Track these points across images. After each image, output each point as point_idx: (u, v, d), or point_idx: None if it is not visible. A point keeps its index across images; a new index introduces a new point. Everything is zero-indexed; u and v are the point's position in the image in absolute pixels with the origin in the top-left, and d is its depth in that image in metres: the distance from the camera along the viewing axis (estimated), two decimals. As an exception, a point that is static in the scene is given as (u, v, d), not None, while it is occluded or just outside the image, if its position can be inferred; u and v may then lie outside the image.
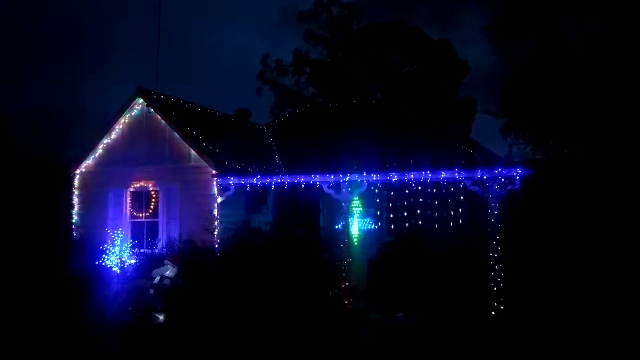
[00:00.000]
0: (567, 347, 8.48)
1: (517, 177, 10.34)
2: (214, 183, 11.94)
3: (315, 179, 11.27)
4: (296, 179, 11.43)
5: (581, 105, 14.39)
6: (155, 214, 12.82)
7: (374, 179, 11.05)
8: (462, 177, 10.64)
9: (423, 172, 10.75)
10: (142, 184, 12.94)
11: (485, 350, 8.51)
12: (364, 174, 11.03)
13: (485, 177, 10.48)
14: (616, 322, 9.44)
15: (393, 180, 11.00)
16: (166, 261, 10.98)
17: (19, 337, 8.70)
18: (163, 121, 12.84)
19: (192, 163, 12.46)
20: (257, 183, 11.69)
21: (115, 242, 12.30)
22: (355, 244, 13.38)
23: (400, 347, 8.69)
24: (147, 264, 11.67)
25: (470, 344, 8.81)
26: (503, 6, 17.53)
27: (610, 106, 13.83)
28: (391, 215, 13.69)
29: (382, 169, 11.01)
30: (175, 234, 12.32)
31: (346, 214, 11.48)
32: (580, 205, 12.18)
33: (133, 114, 13.28)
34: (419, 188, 11.59)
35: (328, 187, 11.29)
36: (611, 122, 13.75)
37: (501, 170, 10.39)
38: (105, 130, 13.42)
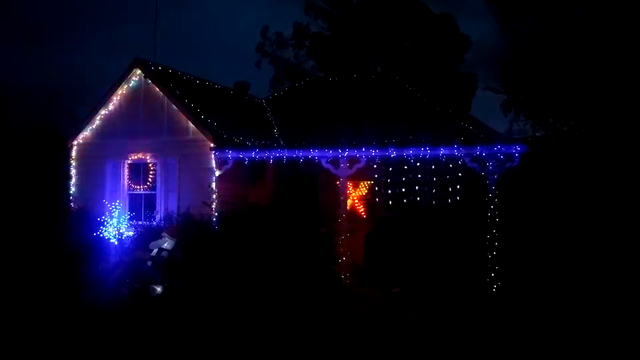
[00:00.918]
0: (562, 324, 8.57)
1: (516, 155, 10.33)
2: (212, 156, 11.90)
3: (314, 153, 11.24)
4: (295, 154, 11.39)
5: (583, 83, 14.26)
6: (153, 186, 12.80)
7: (373, 154, 11.02)
8: (461, 154, 10.62)
9: (422, 148, 10.73)
10: (140, 156, 12.89)
11: (481, 326, 8.60)
12: (363, 150, 11.00)
13: (484, 154, 10.46)
14: (614, 299, 9.53)
15: (392, 156, 10.98)
16: (164, 234, 11.00)
17: (18, 308, 8.76)
18: (161, 93, 12.72)
19: (191, 136, 12.39)
20: (255, 157, 11.66)
21: (113, 214, 12.33)
22: (353, 219, 13.41)
23: (395, 322, 8.77)
24: (145, 236, 11.70)
25: (465, 318, 8.90)
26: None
27: (612, 84, 13.71)
28: (389, 191, 13.70)
29: (381, 145, 10.97)
30: (173, 207, 12.33)
31: (344, 189, 11.47)
32: (579, 183, 12.18)
33: (131, 85, 13.14)
34: (418, 164, 11.57)
35: (326, 162, 11.27)
36: (613, 101, 13.66)
37: (500, 147, 10.37)
38: (103, 101, 13.30)
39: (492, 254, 10.38)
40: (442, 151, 10.67)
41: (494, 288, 10.31)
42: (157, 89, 12.77)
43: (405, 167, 12.46)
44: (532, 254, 11.04)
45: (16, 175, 13.52)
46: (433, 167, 11.75)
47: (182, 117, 12.44)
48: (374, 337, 8.06)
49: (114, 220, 12.21)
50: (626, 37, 13.72)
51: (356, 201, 14.17)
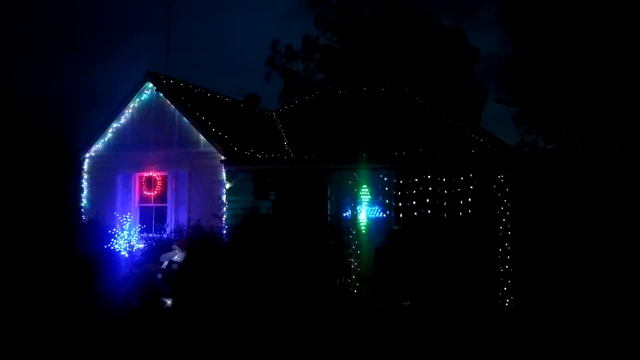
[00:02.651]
0: (575, 339, 8.44)
1: (528, 167, 10.26)
2: (223, 169, 11.92)
3: (323, 166, 11.23)
4: (304, 166, 11.40)
5: (595, 96, 14.19)
6: (163, 199, 12.84)
7: (383, 167, 11.00)
8: (471, 166, 10.57)
9: (432, 161, 10.69)
10: (151, 168, 12.95)
11: (492, 340, 8.49)
12: (373, 162, 10.97)
13: (494, 167, 10.40)
14: (626, 311, 9.38)
15: (402, 168, 10.95)
16: (174, 246, 11.02)
17: (31, 319, 8.80)
18: (172, 106, 12.81)
19: (201, 148, 12.45)
20: (265, 169, 11.67)
21: (124, 226, 12.37)
22: (363, 232, 13.36)
23: (406, 336, 8.69)
24: (156, 249, 11.72)
25: (477, 333, 8.80)
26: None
27: (625, 97, 13.62)
28: (400, 204, 13.63)
29: (391, 157, 10.95)
30: (183, 219, 12.34)
31: (354, 201, 11.44)
32: (592, 196, 12.05)
33: (142, 98, 13.26)
34: (429, 176, 11.53)
35: (336, 174, 11.26)
36: (626, 113, 13.56)
37: (510, 160, 10.31)
38: (115, 114, 13.42)
39: (504, 267, 10.28)
40: (452, 164, 10.63)
41: (507, 302, 10.19)
42: (169, 102, 12.87)
43: (416, 179, 12.41)
44: (546, 267, 10.90)
45: (30, 185, 13.63)
46: (444, 179, 11.70)
47: (193, 130, 12.51)
48: (384, 351, 7.98)
49: (125, 232, 12.24)
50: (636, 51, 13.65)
51: (366, 213, 14.11)
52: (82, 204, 13.50)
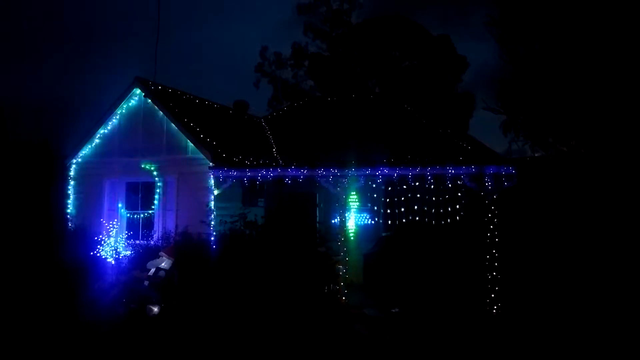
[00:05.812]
0: (564, 345, 8.48)
1: (515, 174, 10.34)
2: (211, 175, 11.88)
3: (312, 172, 11.23)
4: (293, 173, 11.38)
5: (582, 104, 14.34)
6: (151, 205, 12.75)
7: (371, 173, 11.02)
8: (459, 173, 10.62)
9: (420, 168, 10.73)
10: (138, 175, 12.85)
11: (481, 346, 8.50)
12: (362, 169, 10.99)
13: (482, 174, 10.47)
14: (613, 319, 9.44)
15: (391, 175, 10.97)
16: (161, 253, 10.93)
17: (14, 327, 8.65)
18: (160, 112, 12.76)
19: (189, 155, 12.39)
20: (254, 176, 11.64)
21: (111, 233, 12.26)
22: (352, 238, 13.36)
23: (395, 342, 8.67)
24: (143, 256, 11.63)
25: (466, 339, 8.80)
26: (505, 3, 17.40)
27: (611, 105, 13.79)
28: (388, 211, 13.66)
29: (380, 164, 10.98)
30: (171, 226, 12.26)
31: (343, 208, 11.44)
32: (578, 203, 12.16)
33: (130, 104, 13.19)
34: (417, 183, 11.57)
35: (325, 181, 11.26)
36: (612, 121, 13.72)
37: (498, 167, 10.39)
38: (102, 120, 13.33)
39: (492, 274, 10.32)
40: (440, 171, 10.67)
41: (495, 308, 10.22)
42: (157, 108, 12.81)
43: (405, 186, 12.46)
44: (532, 273, 10.97)
45: (14, 193, 13.46)
46: (432, 186, 11.75)
47: (181, 136, 12.46)
48: (372, 357, 7.95)
49: (112, 239, 12.13)
50: (623, 56, 13.84)
51: (355, 220, 14.12)
52: (69, 211, 13.37)
